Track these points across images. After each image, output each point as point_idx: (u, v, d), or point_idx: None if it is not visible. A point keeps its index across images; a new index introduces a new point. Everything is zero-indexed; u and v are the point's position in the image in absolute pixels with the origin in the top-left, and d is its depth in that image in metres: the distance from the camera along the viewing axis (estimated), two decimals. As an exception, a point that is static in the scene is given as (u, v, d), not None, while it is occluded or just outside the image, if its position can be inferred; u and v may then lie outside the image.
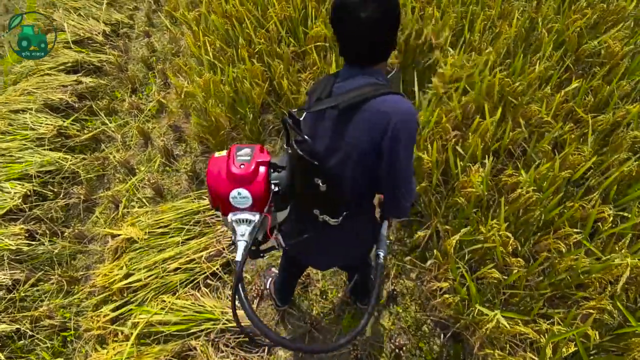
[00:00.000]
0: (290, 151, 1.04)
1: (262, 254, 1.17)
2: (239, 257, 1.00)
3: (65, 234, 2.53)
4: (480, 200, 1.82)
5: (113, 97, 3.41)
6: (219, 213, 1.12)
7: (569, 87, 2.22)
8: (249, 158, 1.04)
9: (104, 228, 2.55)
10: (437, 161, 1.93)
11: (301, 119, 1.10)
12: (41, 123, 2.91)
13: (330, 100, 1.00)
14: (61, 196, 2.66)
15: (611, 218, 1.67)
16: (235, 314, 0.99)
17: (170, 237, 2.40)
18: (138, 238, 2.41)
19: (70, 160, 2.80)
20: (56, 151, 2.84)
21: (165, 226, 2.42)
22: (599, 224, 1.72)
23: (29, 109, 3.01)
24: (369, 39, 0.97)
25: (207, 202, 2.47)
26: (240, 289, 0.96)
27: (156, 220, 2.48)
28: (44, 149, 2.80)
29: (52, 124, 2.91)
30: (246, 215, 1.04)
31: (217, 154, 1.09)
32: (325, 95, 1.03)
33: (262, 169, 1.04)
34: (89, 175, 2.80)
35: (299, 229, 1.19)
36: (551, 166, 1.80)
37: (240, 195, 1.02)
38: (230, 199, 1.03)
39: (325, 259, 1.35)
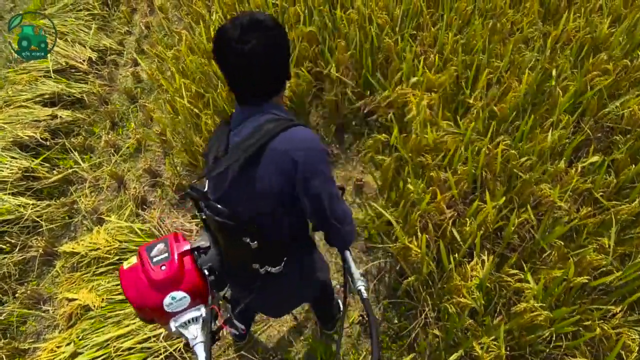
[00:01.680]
0: (206, 219, 1.00)
1: (217, 338, 1.06)
2: None
3: (18, 293, 2.29)
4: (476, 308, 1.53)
5: (90, 132, 3.20)
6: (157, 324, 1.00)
7: (586, 160, 1.92)
8: (167, 255, 0.94)
9: (62, 289, 2.30)
10: (427, 251, 1.65)
11: (205, 186, 1.04)
12: (6, 164, 2.70)
13: (228, 159, 0.94)
14: (17, 249, 2.43)
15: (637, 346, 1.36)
16: None
17: (129, 307, 2.15)
18: (94, 305, 2.17)
19: (33, 208, 2.57)
20: (19, 196, 2.62)
21: (123, 296, 2.17)
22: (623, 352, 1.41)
23: (-5, 148, 2.81)
24: (255, 72, 0.90)
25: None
26: None
27: (116, 285, 2.23)
28: (5, 194, 2.58)
29: (17, 166, 2.70)
30: (191, 315, 0.95)
31: (125, 265, 0.97)
32: (222, 153, 0.97)
33: (187, 259, 0.96)
34: (51, 226, 2.57)
35: (245, 286, 1.13)
36: (565, 272, 1.50)
37: (176, 299, 0.92)
38: (165, 308, 0.93)
39: (279, 307, 1.31)
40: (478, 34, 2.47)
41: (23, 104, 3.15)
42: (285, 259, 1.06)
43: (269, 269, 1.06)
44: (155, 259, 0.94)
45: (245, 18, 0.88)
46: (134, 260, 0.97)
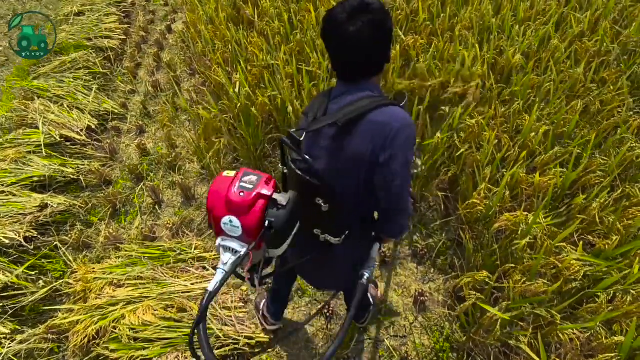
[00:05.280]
0: (287, 171, 1.08)
1: (264, 282, 1.22)
2: (211, 286, 0.93)
3: None
4: None
5: (87, 223, 2.67)
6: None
7: None
8: (251, 187, 0.99)
9: None
10: None
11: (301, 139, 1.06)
12: (-22, 280, 2.15)
13: (327, 118, 1.00)
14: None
15: None
16: (193, 351, 0.92)
17: None
18: None
19: (10, 338, 2.01)
20: (-6, 322, 2.06)
21: None
22: None
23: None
24: (359, 53, 0.97)
25: None
26: (202, 328, 0.92)
27: None
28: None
29: (-8, 282, 2.15)
30: (234, 244, 0.99)
31: (225, 173, 1.04)
32: (321, 114, 1.03)
33: (260, 202, 0.98)
34: (34, 366, 2.00)
35: (299, 249, 1.17)
36: None
37: (232, 224, 0.98)
38: (222, 224, 0.99)
39: (322, 277, 1.36)
40: (560, 114, 2.03)
41: (6, 189, 2.63)
42: (347, 232, 1.10)
43: (328, 238, 1.11)
44: (242, 184, 0.99)
45: (354, 1, 0.94)
46: (232, 173, 1.03)
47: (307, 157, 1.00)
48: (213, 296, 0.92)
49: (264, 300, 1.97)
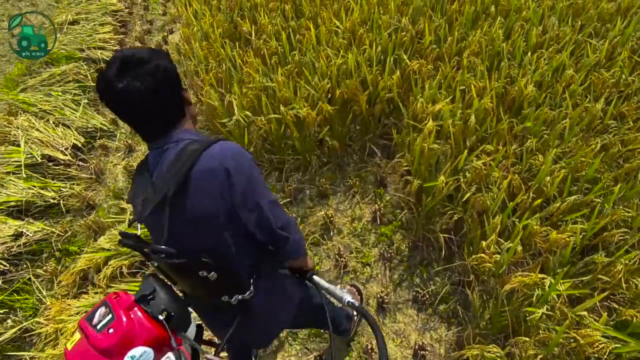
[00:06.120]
0: (155, 265, 0.98)
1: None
2: None
3: None
4: None
5: (65, 252, 2.50)
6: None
7: None
8: (111, 316, 0.83)
9: None
10: None
11: (137, 231, 0.96)
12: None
13: (157, 194, 0.90)
14: None
15: None
16: None
17: None
18: None
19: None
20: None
21: None
22: None
23: None
24: (143, 109, 0.89)
25: None
26: None
27: None
28: None
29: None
30: None
31: (69, 346, 0.85)
32: (150, 192, 0.92)
33: (138, 314, 0.85)
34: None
35: (223, 321, 1.08)
36: None
37: (137, 357, 0.82)
38: None
39: (265, 333, 1.24)
40: (577, 157, 1.85)
41: (-19, 215, 2.47)
42: (251, 280, 1.03)
43: (239, 297, 1.02)
44: (99, 326, 0.83)
45: (120, 53, 0.88)
46: (77, 336, 0.86)
47: (159, 246, 0.91)
48: None
49: None
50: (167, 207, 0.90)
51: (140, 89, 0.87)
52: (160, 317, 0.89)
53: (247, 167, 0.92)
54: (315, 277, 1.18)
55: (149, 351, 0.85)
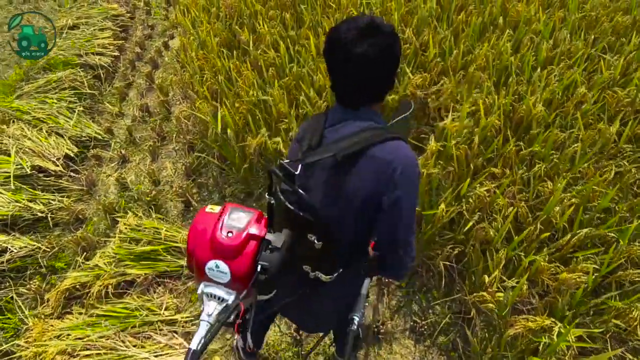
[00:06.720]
0: (274, 202, 0.96)
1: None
2: (194, 343, 0.82)
3: None
4: None
5: (51, 269, 2.42)
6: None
7: None
8: (240, 226, 0.90)
9: None
10: None
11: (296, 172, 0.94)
12: None
13: (325, 150, 0.92)
14: None
15: None
16: None
17: None
18: None
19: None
20: None
21: None
22: None
23: None
24: (363, 77, 0.90)
25: None
26: None
27: None
28: None
29: None
30: (220, 292, 0.89)
31: (208, 208, 0.94)
32: (315, 143, 0.95)
33: (251, 244, 0.90)
34: None
35: (284, 287, 1.03)
36: None
37: (218, 269, 0.87)
38: (206, 270, 0.88)
39: (309, 318, 1.22)
40: (589, 185, 1.73)
41: (-34, 229, 2.40)
42: (340, 270, 1.00)
43: (319, 275, 1.00)
44: (229, 222, 0.90)
45: (363, 21, 0.88)
46: (217, 209, 0.94)
47: (300, 190, 0.89)
48: (198, 357, 0.81)
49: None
50: (322, 167, 0.93)
51: (374, 59, 0.87)
52: (259, 268, 0.89)
53: (415, 178, 0.92)
54: (367, 280, 1.18)
55: (228, 275, 0.88)
